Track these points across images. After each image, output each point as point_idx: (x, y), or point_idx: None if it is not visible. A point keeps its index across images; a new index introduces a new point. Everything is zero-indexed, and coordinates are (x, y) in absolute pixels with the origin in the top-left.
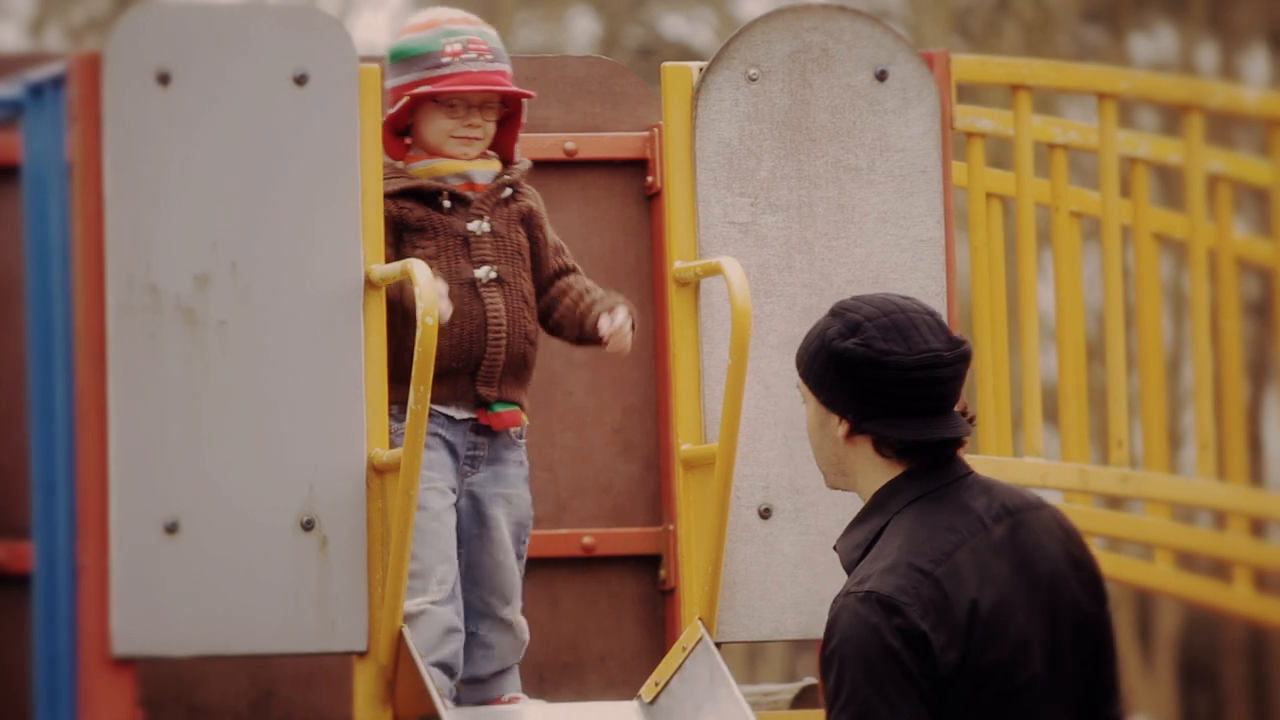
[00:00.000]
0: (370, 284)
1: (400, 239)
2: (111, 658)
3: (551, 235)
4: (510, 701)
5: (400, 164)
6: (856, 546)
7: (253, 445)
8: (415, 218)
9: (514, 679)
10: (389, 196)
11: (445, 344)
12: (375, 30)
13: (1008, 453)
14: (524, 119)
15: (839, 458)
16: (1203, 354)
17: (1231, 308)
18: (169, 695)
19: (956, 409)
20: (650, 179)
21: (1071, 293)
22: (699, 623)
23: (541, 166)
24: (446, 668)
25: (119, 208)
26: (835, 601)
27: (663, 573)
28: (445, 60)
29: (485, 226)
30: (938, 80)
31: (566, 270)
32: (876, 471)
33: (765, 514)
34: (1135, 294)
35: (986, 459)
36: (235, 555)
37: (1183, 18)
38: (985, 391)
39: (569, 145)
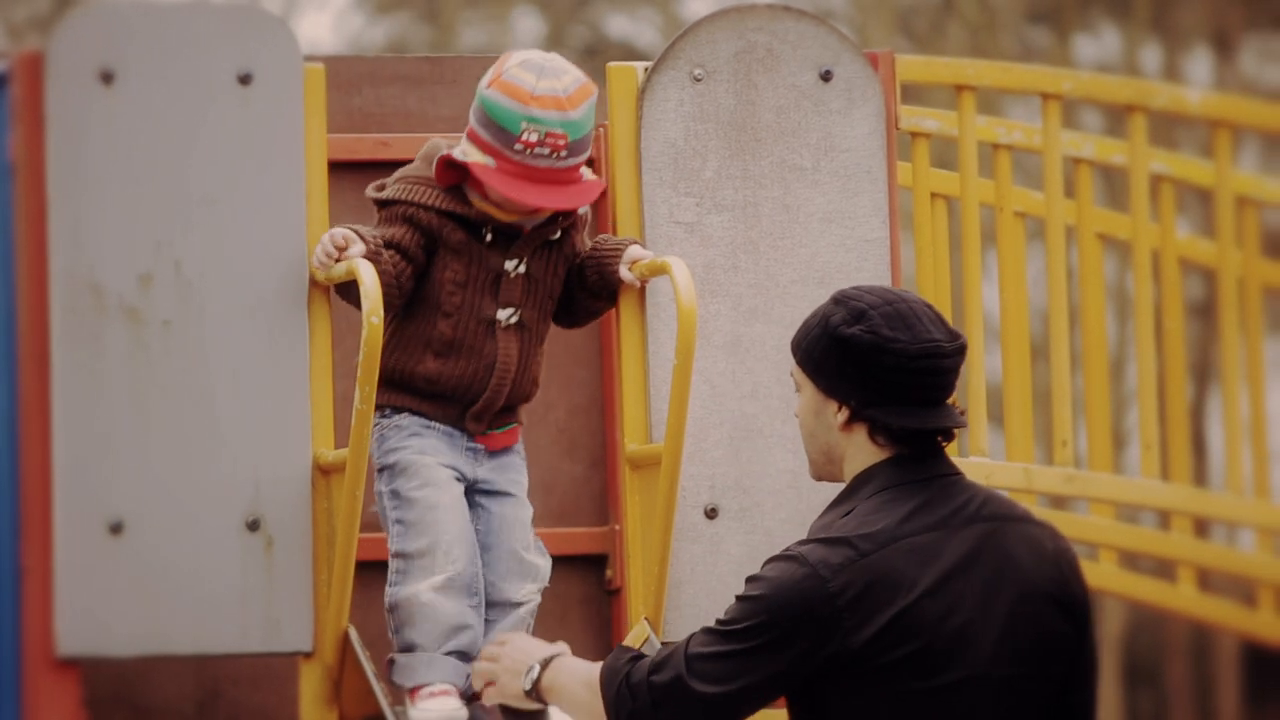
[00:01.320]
0: (315, 283)
1: (434, 251)
2: (56, 658)
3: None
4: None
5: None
6: (824, 528)
7: (198, 445)
8: (456, 240)
9: None
10: (434, 210)
11: (448, 373)
12: (319, 29)
13: (953, 452)
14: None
15: (831, 445)
16: (1146, 354)
17: (1175, 308)
18: (114, 696)
19: (949, 402)
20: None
21: (1016, 293)
22: (645, 622)
23: None
24: (463, 655)
25: (62, 207)
26: (780, 552)
27: (609, 572)
28: (518, 149)
29: (522, 269)
30: (882, 80)
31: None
32: (864, 457)
33: (711, 514)
34: (1079, 294)
35: None
36: (180, 555)
37: (1126, 19)
38: None
39: None
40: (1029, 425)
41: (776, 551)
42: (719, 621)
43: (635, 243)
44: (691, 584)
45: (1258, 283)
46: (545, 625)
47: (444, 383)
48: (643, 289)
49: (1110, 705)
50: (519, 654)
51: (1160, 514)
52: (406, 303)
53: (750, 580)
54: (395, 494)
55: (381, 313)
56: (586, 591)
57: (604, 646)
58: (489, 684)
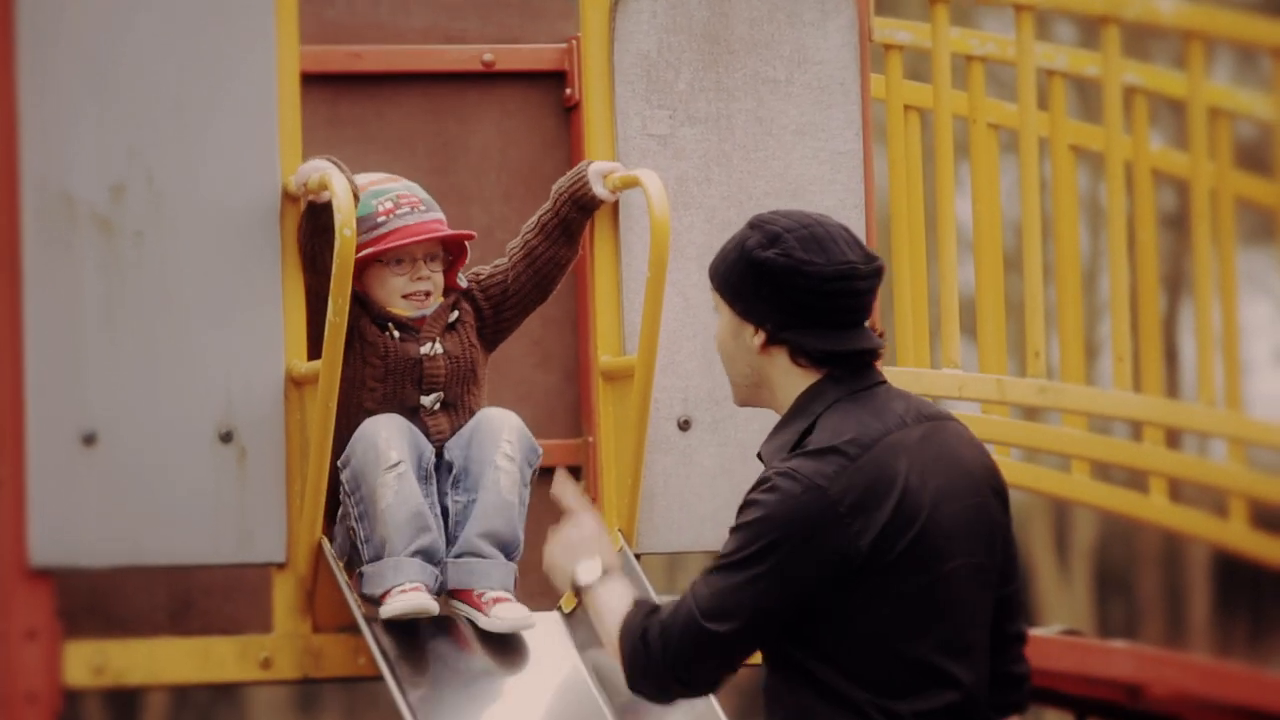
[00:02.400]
0: (288, 195)
1: (353, 334)
2: (29, 569)
3: (490, 269)
4: (494, 602)
5: None
6: (781, 448)
7: (170, 357)
8: (370, 334)
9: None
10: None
11: None
12: None
13: (925, 364)
14: (467, 258)
15: (752, 369)
16: (1119, 266)
17: (1148, 220)
18: (87, 606)
19: (867, 325)
20: (569, 91)
21: (989, 205)
22: (618, 534)
23: (459, 79)
24: (428, 554)
25: (33, 117)
26: (759, 479)
27: (582, 484)
28: (381, 220)
29: (438, 348)
30: None
31: (507, 261)
32: (794, 379)
33: (684, 426)
34: (1052, 206)
35: (904, 370)
36: (153, 467)
37: None
38: (903, 303)
39: (487, 57)
40: (1002, 337)
41: (748, 463)
42: (721, 557)
43: (589, 163)
44: (665, 495)
45: (1230, 194)
46: None
47: None
48: (616, 201)
49: (1082, 614)
50: (580, 546)
51: (1132, 425)
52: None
53: (745, 508)
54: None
55: (354, 225)
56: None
57: None
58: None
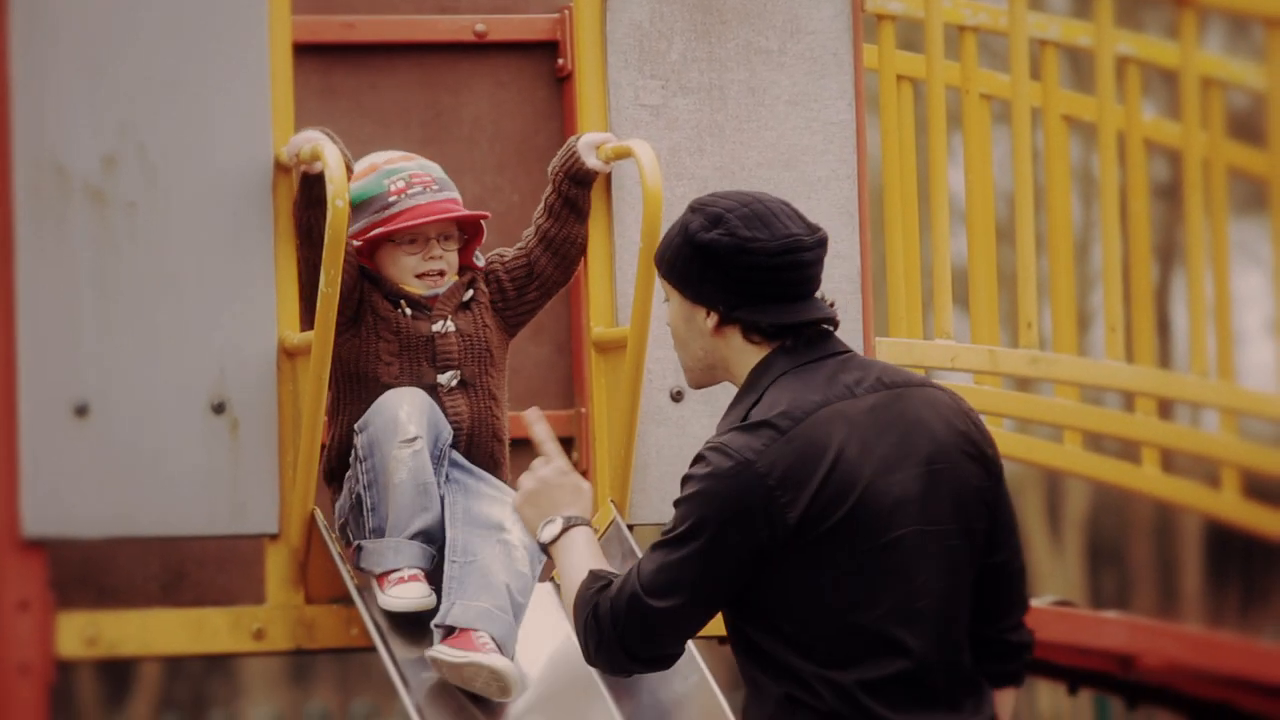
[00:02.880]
0: (280, 166)
1: (363, 307)
2: (22, 539)
3: (514, 251)
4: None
5: None
6: (731, 424)
7: (163, 328)
8: (382, 309)
9: None
10: (362, 268)
11: None
12: None
13: (918, 335)
14: (484, 237)
15: (706, 351)
16: (1111, 236)
17: (1140, 190)
18: (80, 577)
19: (818, 295)
20: (561, 61)
21: (981, 175)
22: (611, 505)
23: (452, 49)
24: (427, 537)
25: (25, 89)
26: (696, 455)
27: (575, 455)
28: (393, 200)
29: (450, 326)
30: None
31: (524, 245)
32: (748, 356)
33: (677, 397)
34: (1045, 176)
35: (896, 341)
36: (146, 438)
37: None
38: (895, 274)
39: (479, 27)
40: (994, 307)
41: None
42: (663, 534)
43: (579, 137)
44: (657, 466)
45: (1223, 164)
46: None
47: None
48: (608, 173)
49: (1075, 584)
50: (551, 496)
51: (1124, 395)
52: (347, 385)
53: (683, 484)
54: (358, 430)
55: (347, 195)
56: None
57: None
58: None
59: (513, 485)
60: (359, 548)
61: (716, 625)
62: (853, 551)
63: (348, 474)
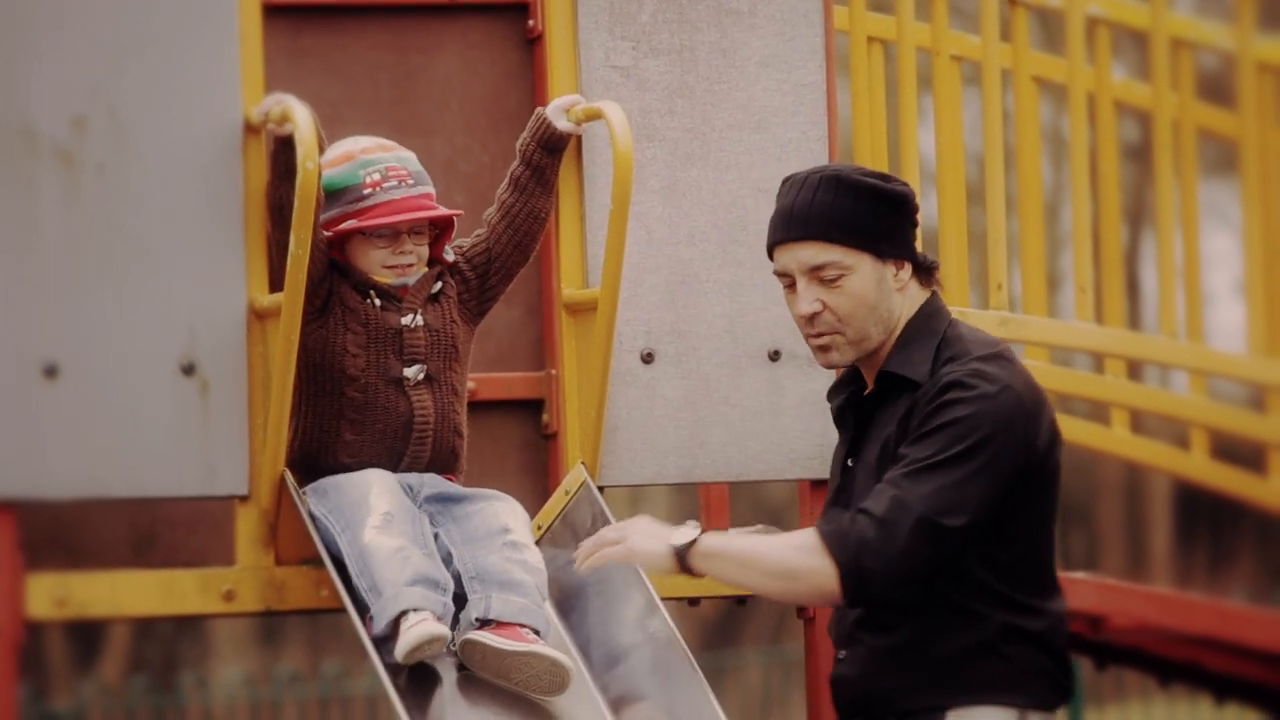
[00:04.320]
0: (250, 127)
1: (332, 299)
2: None
3: (472, 240)
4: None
5: None
6: (924, 361)
7: (132, 289)
8: (351, 300)
9: None
10: (331, 258)
11: (368, 441)
12: None
13: None
14: (454, 231)
15: (890, 311)
16: (1081, 197)
17: (1110, 151)
18: (49, 538)
19: None
20: (531, 23)
21: (951, 136)
22: (582, 467)
23: (421, 11)
24: (429, 582)
25: None
26: (945, 383)
27: (545, 417)
28: (366, 192)
29: (419, 320)
30: None
31: (486, 230)
32: (911, 304)
33: (648, 359)
34: (1015, 137)
35: None
36: (115, 399)
37: None
38: None
39: None
40: (964, 268)
41: (711, 395)
42: (928, 457)
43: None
44: (628, 428)
45: (1192, 126)
46: (482, 470)
47: (364, 452)
48: (578, 135)
49: None
50: (652, 525)
51: (1094, 356)
52: (310, 376)
53: (941, 409)
54: (323, 495)
55: (317, 158)
56: (524, 436)
57: (541, 491)
58: (609, 546)
59: (469, 481)
60: (371, 619)
61: (686, 587)
62: (1055, 486)
63: (318, 524)
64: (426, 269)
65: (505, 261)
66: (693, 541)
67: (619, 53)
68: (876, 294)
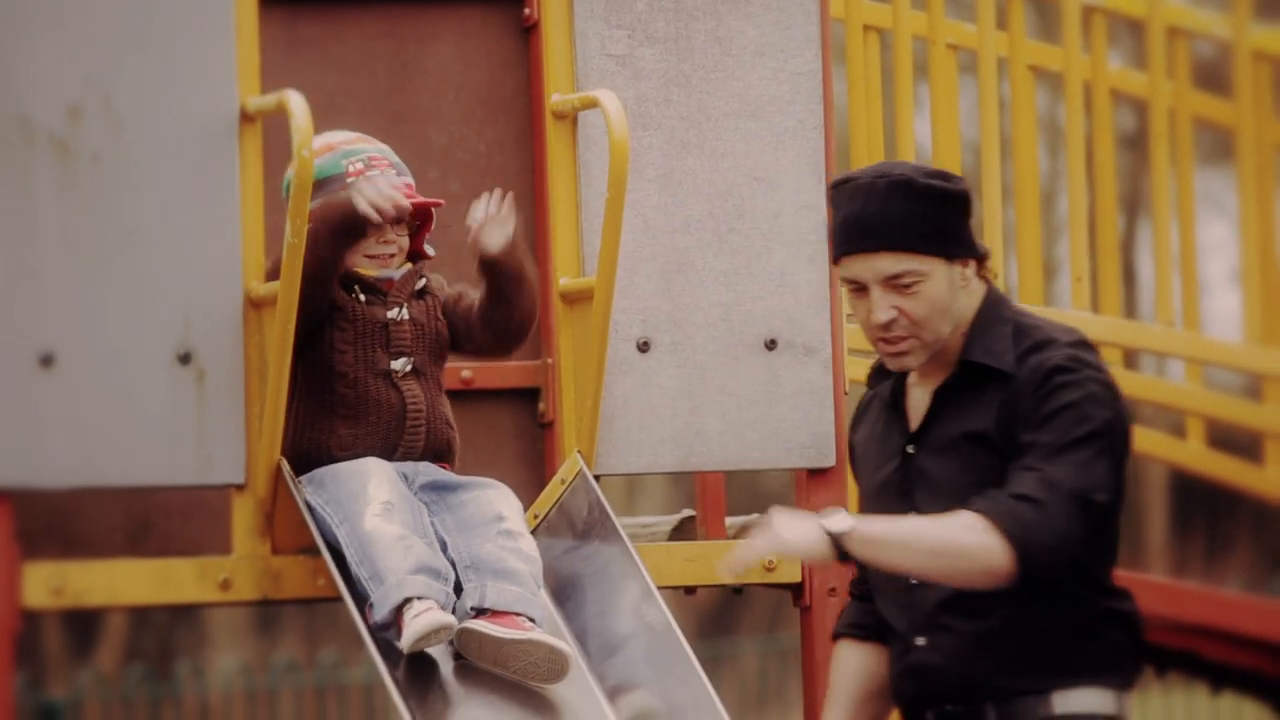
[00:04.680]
0: (246, 117)
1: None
2: None
3: (459, 293)
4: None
5: None
6: (1005, 350)
7: (128, 278)
8: (339, 299)
9: None
10: None
11: (361, 434)
12: None
13: None
14: (434, 223)
15: (960, 308)
16: (1078, 186)
17: (1106, 140)
18: (46, 528)
19: None
20: (527, 11)
21: (948, 125)
22: (578, 455)
23: (417, 0)
24: (431, 571)
25: None
26: (1053, 368)
27: (541, 406)
28: (351, 181)
29: (404, 314)
30: None
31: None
32: (975, 299)
33: (644, 347)
34: (1011, 126)
35: None
36: (111, 388)
37: None
38: None
39: None
40: None
41: (707, 384)
42: (1060, 439)
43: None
44: (624, 417)
45: (1188, 114)
46: (478, 458)
47: (359, 444)
48: (574, 122)
49: None
50: (792, 514)
51: None
52: (301, 375)
53: (1056, 392)
54: (320, 485)
55: (312, 145)
56: (519, 425)
57: (537, 480)
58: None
59: (464, 469)
60: (370, 606)
61: (681, 575)
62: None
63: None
64: (409, 264)
65: (477, 345)
66: (850, 528)
67: (615, 41)
68: (949, 295)
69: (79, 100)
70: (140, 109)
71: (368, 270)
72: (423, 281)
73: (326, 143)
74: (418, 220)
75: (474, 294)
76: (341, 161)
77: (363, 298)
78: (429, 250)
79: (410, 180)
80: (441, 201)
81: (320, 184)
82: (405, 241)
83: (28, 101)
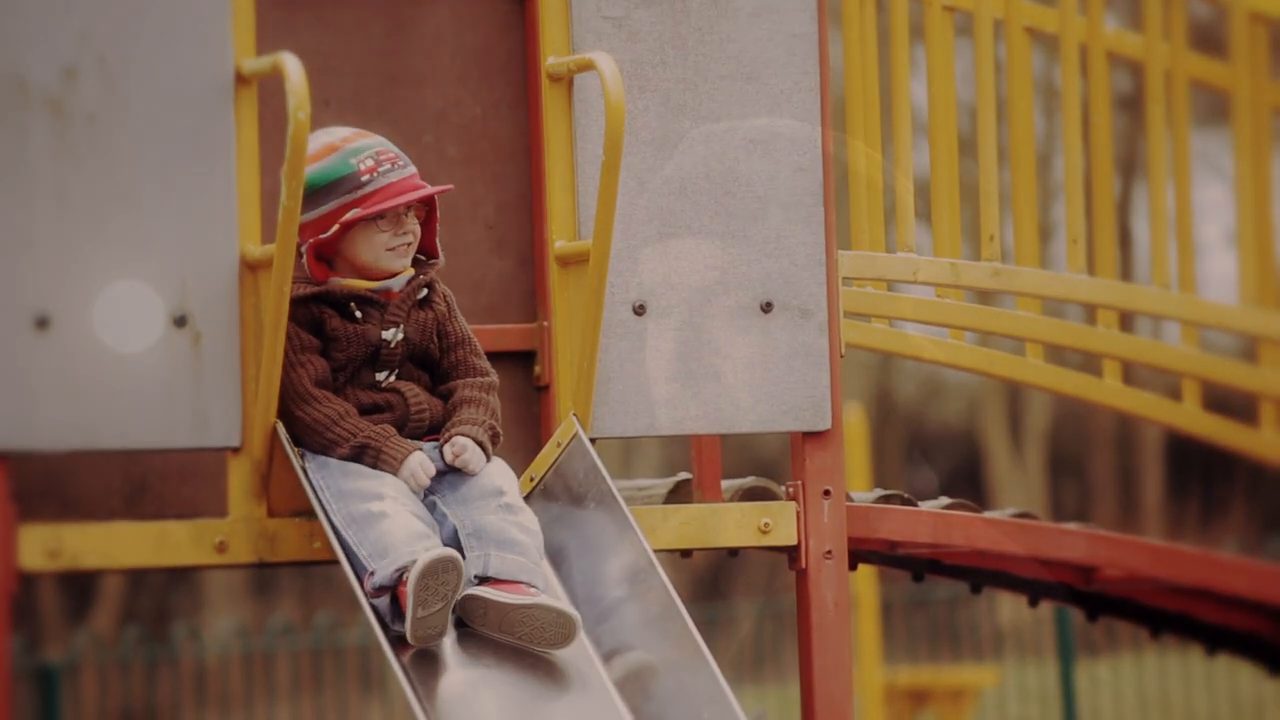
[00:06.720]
0: (241, 79)
1: (324, 340)
2: None
3: (459, 327)
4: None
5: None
6: None
7: (124, 240)
8: (331, 327)
9: None
10: (305, 301)
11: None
12: None
13: (880, 248)
14: (439, 213)
15: None
16: (1074, 148)
17: (1102, 102)
18: (42, 490)
19: None
20: None
21: (944, 88)
22: (574, 418)
23: None
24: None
25: None
26: None
27: (537, 369)
28: (365, 179)
29: (399, 335)
30: None
31: (464, 369)
32: None
33: (639, 310)
34: (1007, 88)
35: (859, 254)
36: (107, 351)
37: None
38: (858, 187)
39: None
40: (956, 220)
41: (702, 347)
42: None
43: (463, 434)
44: (620, 380)
45: (1184, 76)
46: None
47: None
48: (570, 85)
49: (1036, 497)
50: None
51: (1086, 308)
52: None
53: None
54: (324, 464)
55: (309, 108)
56: (515, 388)
57: (533, 442)
58: None
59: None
60: (371, 573)
61: (677, 538)
62: None
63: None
64: (413, 270)
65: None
66: None
67: (611, 3)
68: None
69: (74, 61)
70: (136, 70)
71: (386, 265)
72: (424, 293)
73: (327, 143)
74: (425, 210)
75: (457, 359)
76: (350, 160)
77: (359, 314)
78: (439, 248)
79: (415, 170)
80: (451, 187)
81: (332, 185)
82: (418, 229)
83: (22, 62)
